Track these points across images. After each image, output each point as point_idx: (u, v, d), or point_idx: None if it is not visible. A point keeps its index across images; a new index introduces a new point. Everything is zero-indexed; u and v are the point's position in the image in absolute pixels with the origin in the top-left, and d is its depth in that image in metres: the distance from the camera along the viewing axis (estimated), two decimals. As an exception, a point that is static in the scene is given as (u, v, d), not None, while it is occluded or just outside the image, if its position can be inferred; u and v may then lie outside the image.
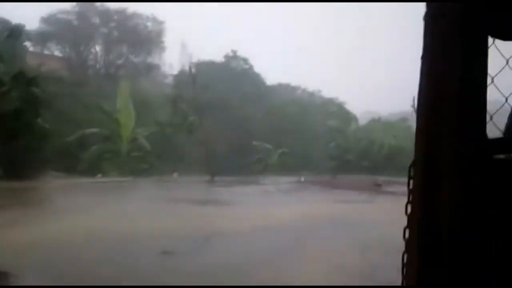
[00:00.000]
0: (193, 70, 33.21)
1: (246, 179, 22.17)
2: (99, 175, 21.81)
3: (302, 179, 23.00)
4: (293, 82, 62.18)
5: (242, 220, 10.96)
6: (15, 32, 5.48)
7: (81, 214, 10.37)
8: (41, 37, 44.39)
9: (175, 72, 47.90)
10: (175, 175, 23.20)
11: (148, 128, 27.06)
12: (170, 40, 49.42)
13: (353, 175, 30.38)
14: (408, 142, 43.68)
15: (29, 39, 40.23)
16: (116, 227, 9.06)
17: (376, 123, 53.80)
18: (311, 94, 61.00)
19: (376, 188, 21.09)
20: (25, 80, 4.26)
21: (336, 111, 49.44)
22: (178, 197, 14.32)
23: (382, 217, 12.06)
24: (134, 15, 48.35)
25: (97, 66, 49.01)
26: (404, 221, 1.22)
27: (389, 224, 10.41)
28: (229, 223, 10.45)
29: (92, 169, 22.81)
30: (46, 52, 45.49)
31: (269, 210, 12.53)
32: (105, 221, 9.61)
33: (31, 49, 40.97)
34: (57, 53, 46.88)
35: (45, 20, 45.02)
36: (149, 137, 26.33)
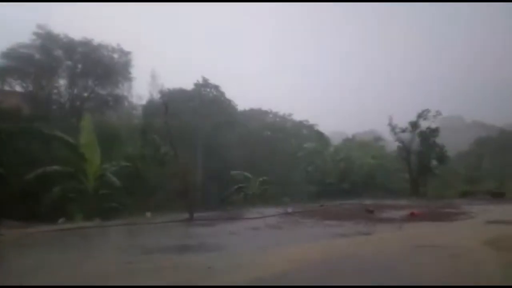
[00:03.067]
0: (162, 99, 31.47)
1: (228, 214, 20.29)
2: (61, 220, 19.33)
3: (290, 210, 21.30)
4: (263, 107, 61.60)
5: (237, 270, 9.16)
6: None
7: (29, 280, 8.31)
8: (0, 73, 42.04)
9: (142, 102, 46.24)
10: (148, 214, 20.97)
11: (117, 163, 24.92)
12: (139, 70, 47.87)
13: (337, 199, 28.96)
14: (385, 161, 43.12)
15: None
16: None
17: (350, 143, 53.20)
18: (282, 118, 60.29)
19: (369, 215, 19.72)
20: None
21: (310, 134, 48.57)
22: (154, 244, 12.32)
23: (401, 250, 10.67)
24: (100, 46, 46.66)
25: (62, 100, 46.70)
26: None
27: (418, 257, 8.86)
28: (223, 276, 8.66)
29: (55, 213, 20.40)
30: (6, 88, 43.19)
31: (266, 254, 10.76)
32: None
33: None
34: (18, 88, 44.55)
35: (5, 55, 42.78)
36: (118, 173, 24.18)
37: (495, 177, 40.86)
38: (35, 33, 43.38)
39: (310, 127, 52.83)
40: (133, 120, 40.53)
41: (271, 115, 61.22)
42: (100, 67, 46.25)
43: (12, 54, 42.97)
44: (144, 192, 24.32)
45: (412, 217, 18.70)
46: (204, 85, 47.16)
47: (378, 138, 53.96)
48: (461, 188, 37.15)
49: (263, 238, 13.48)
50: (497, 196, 30.40)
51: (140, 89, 51.23)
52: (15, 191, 20.21)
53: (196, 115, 38.88)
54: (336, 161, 40.62)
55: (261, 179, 30.98)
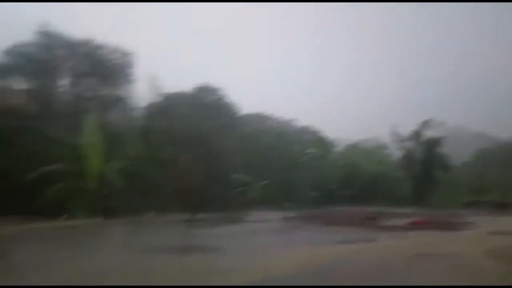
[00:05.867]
0: (163, 101, 31.49)
1: (229, 217, 20.17)
2: (64, 217, 19.31)
3: (291, 215, 21.12)
4: (266, 112, 61.58)
5: (236, 273, 9.02)
6: None
7: (33, 273, 8.22)
8: (3, 71, 42.04)
9: (144, 104, 46.25)
10: (150, 214, 20.85)
11: (118, 163, 24.82)
12: (138, 71, 47.78)
13: (338, 205, 28.82)
14: (388, 168, 42.96)
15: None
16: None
17: (354, 149, 53.03)
18: (284, 123, 60.22)
19: (371, 222, 19.54)
20: None
21: (313, 139, 48.44)
22: (155, 244, 12.21)
23: (404, 258, 10.49)
24: (101, 46, 46.67)
25: (64, 99, 46.67)
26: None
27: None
28: (222, 278, 8.54)
29: (58, 210, 20.34)
30: (10, 86, 43.18)
31: (266, 257, 10.64)
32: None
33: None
34: (22, 86, 44.56)
35: (8, 52, 42.76)
36: (120, 172, 24.07)
37: (498, 188, 40.67)
38: (38, 31, 43.34)
39: (313, 133, 52.74)
40: (133, 121, 40.47)
41: (272, 120, 61.21)
42: (101, 67, 46.19)
43: (15, 51, 42.89)
44: (145, 193, 24.19)
45: (415, 226, 18.55)
46: (203, 88, 47.19)
47: (382, 146, 53.84)
48: (464, 198, 36.93)
49: (264, 241, 13.36)
50: (501, 207, 30.15)
51: (140, 91, 51.00)
52: (18, 188, 20.13)
53: (196, 118, 38.82)
54: (339, 167, 40.48)
55: (262, 183, 30.83)
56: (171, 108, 32.24)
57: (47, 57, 44.50)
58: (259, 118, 57.78)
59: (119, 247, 11.80)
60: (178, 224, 16.88)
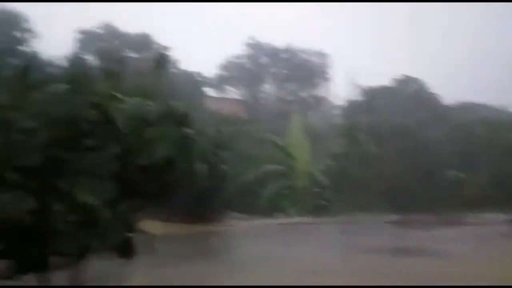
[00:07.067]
0: (363, 97, 31.33)
1: (442, 218, 18.86)
2: (279, 214, 21.19)
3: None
4: (476, 100, 55.32)
5: (460, 278, 8.37)
6: (161, 61, 5.06)
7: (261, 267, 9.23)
8: (219, 82, 48.19)
9: (341, 102, 46.70)
10: (358, 213, 21.11)
11: (323, 162, 25.83)
12: (333, 70, 48.82)
13: None
14: None
15: (209, 85, 43.98)
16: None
17: None
18: (499, 112, 53.20)
19: None
20: (175, 120, 3.73)
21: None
22: (370, 244, 12.29)
23: None
24: (300, 51, 49.19)
25: (269, 104, 50.86)
26: None
27: None
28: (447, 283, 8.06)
29: (271, 207, 22.36)
30: (224, 95, 49.24)
31: (492, 264, 9.60)
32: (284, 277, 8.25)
33: (211, 93, 44.63)
34: (234, 95, 50.33)
35: (223, 66, 48.88)
36: (325, 171, 25.01)
37: None
38: (247, 44, 48.30)
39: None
40: (334, 120, 41.45)
41: (484, 109, 54.79)
42: (301, 71, 48.74)
43: (228, 65, 48.79)
44: (350, 191, 24.52)
45: None
46: (403, 81, 45.22)
47: None
48: None
49: (489, 246, 12.08)
50: None
51: (337, 89, 51.92)
52: (237, 187, 22.73)
53: (398, 111, 37.38)
54: None
55: (477, 180, 27.75)
56: (372, 103, 31.90)
57: (253, 67, 49.36)
58: (469, 108, 52.44)
59: (334, 246, 12.29)
60: (388, 225, 16.60)
